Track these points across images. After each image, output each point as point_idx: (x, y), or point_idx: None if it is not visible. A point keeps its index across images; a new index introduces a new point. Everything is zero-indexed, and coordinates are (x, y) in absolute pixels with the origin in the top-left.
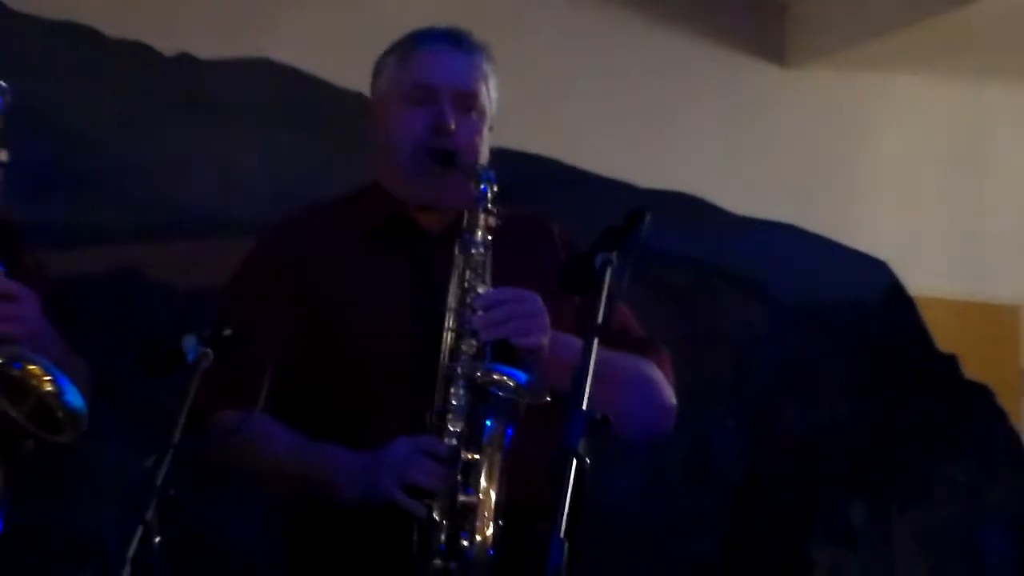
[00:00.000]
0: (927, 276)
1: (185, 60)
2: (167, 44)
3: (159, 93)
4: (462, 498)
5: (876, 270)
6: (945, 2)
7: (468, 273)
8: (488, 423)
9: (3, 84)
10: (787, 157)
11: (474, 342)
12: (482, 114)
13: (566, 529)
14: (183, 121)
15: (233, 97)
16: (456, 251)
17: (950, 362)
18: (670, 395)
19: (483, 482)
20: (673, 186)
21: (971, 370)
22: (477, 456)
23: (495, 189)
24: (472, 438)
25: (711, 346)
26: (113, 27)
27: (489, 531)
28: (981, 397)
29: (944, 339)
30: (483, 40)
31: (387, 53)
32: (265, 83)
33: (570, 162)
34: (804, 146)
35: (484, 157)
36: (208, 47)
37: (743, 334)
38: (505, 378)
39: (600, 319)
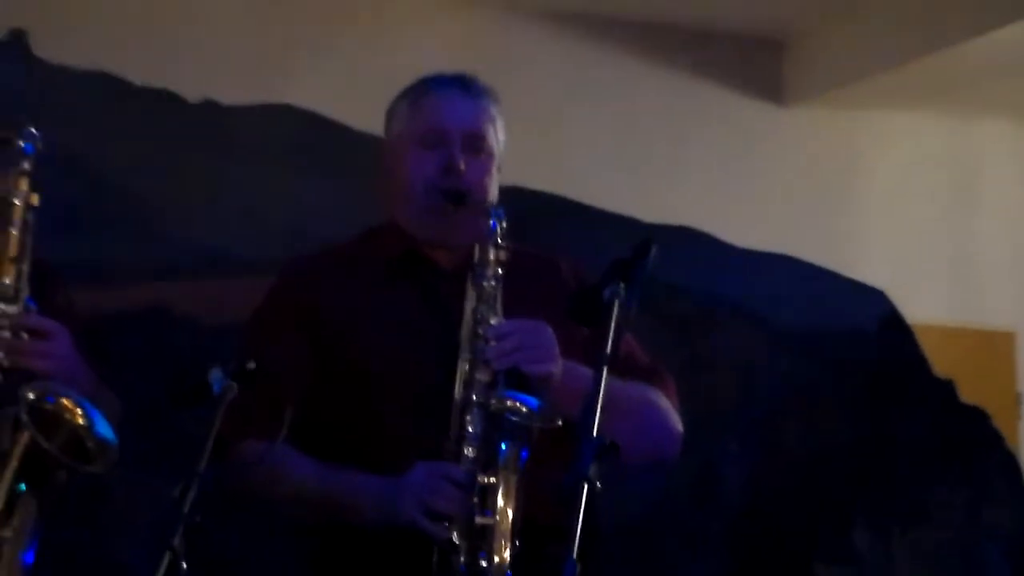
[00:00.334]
0: (924, 304)
1: (209, 106)
2: (192, 91)
3: (184, 138)
4: (480, 520)
5: (874, 299)
6: (939, 41)
7: (480, 305)
8: (503, 447)
9: (34, 131)
10: (786, 191)
11: (487, 371)
12: (490, 155)
13: (578, 551)
14: (207, 164)
15: (255, 141)
16: (468, 284)
17: (947, 387)
18: (676, 421)
19: (500, 504)
20: (676, 220)
21: (968, 394)
22: (493, 479)
23: (504, 225)
24: (488, 462)
25: (715, 373)
26: (140, 76)
27: (507, 552)
28: (978, 420)
29: (941, 365)
30: (493, 83)
31: (399, 98)
32: (286, 127)
33: (577, 198)
34: (803, 180)
35: (494, 195)
36: (231, 94)
37: (746, 362)
38: (518, 404)
39: (609, 349)
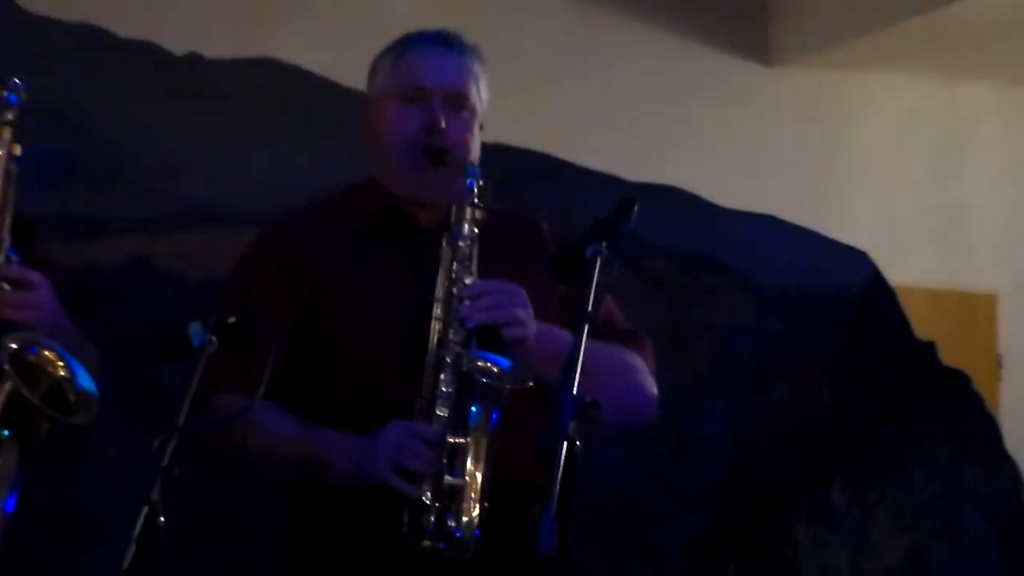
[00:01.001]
0: (906, 266)
1: (194, 59)
2: (176, 44)
3: (169, 91)
4: (449, 480)
5: (857, 261)
6: (925, 2)
7: (455, 265)
8: (473, 408)
9: (17, 81)
10: (772, 152)
11: (461, 330)
12: (473, 112)
13: (558, 510)
14: (192, 118)
15: (240, 95)
16: (444, 243)
17: (928, 349)
18: (652, 384)
19: (469, 465)
20: (660, 179)
21: (949, 356)
22: (463, 440)
23: (481, 184)
24: (459, 423)
25: (698, 334)
26: (125, 28)
27: (475, 512)
28: (958, 382)
29: (922, 326)
30: (477, 39)
31: (382, 55)
32: (271, 81)
33: (561, 156)
34: (788, 141)
35: (475, 154)
36: (216, 47)
37: (729, 323)
38: (489, 364)
39: (590, 307)
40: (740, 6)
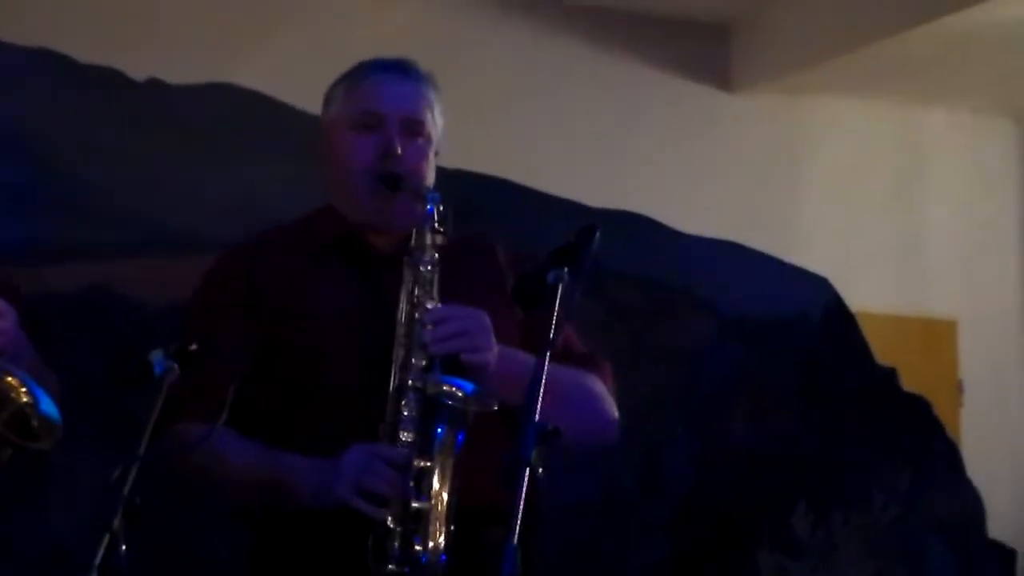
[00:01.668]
0: (867, 292)
1: (154, 85)
2: (137, 70)
3: (130, 116)
4: (415, 504)
5: (818, 286)
6: (885, 29)
7: (417, 289)
8: (439, 431)
9: None
10: (732, 178)
11: (424, 355)
12: (428, 140)
13: (519, 536)
14: (152, 143)
15: (200, 120)
16: (405, 268)
17: (889, 375)
18: (612, 407)
19: (435, 488)
20: (622, 206)
21: (909, 382)
22: (429, 463)
23: (441, 209)
24: (424, 446)
25: (661, 360)
26: (85, 53)
27: (441, 537)
28: (919, 408)
29: (884, 353)
30: (437, 66)
31: (337, 83)
32: (230, 106)
33: (522, 182)
34: (749, 167)
35: (431, 180)
36: (176, 72)
37: (691, 349)
38: (454, 388)
39: (552, 333)
40: (701, 33)
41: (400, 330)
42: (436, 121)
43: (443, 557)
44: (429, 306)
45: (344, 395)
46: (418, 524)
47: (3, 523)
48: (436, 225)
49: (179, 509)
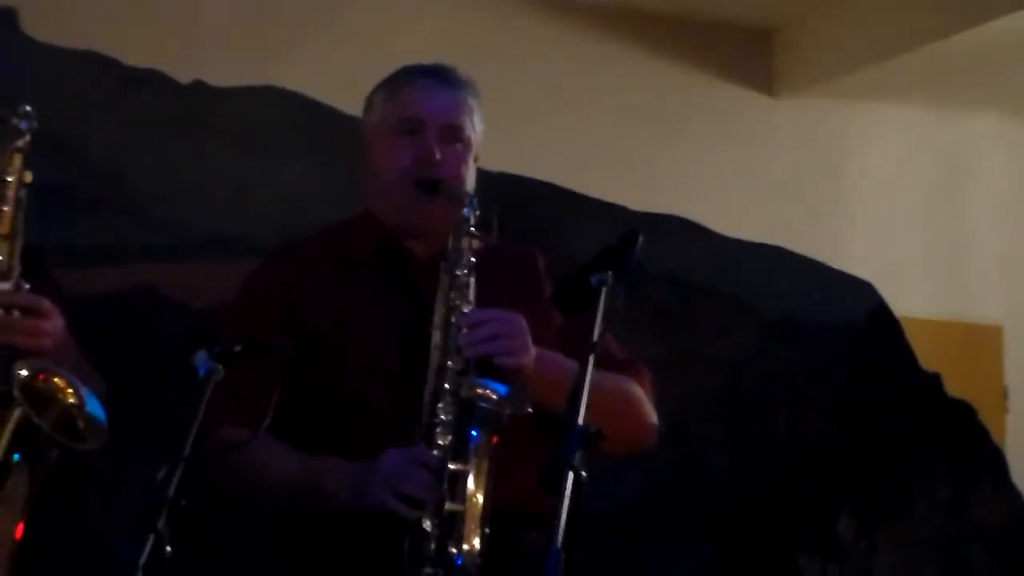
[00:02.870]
0: (911, 297)
1: (199, 88)
2: (182, 72)
3: (174, 119)
4: (450, 507)
5: (862, 291)
6: (928, 34)
7: (453, 293)
8: (473, 434)
9: (28, 109)
10: (776, 182)
11: (459, 359)
12: (467, 145)
13: (563, 540)
14: (197, 146)
15: (244, 123)
16: (441, 272)
17: (934, 380)
18: (650, 413)
19: (470, 491)
20: (666, 209)
21: (954, 388)
22: (464, 466)
23: (478, 214)
24: (459, 449)
25: (702, 364)
26: (131, 56)
27: (476, 539)
28: (964, 414)
29: (928, 358)
30: (482, 69)
31: (376, 89)
32: (275, 109)
33: (566, 185)
34: (792, 171)
35: (470, 185)
36: (221, 75)
37: (733, 353)
38: (488, 391)
39: (596, 337)
40: (745, 38)
41: (436, 334)
42: (476, 127)
43: (478, 560)
44: (465, 310)
45: (381, 399)
46: (453, 527)
47: (47, 523)
48: (473, 230)
49: (220, 510)
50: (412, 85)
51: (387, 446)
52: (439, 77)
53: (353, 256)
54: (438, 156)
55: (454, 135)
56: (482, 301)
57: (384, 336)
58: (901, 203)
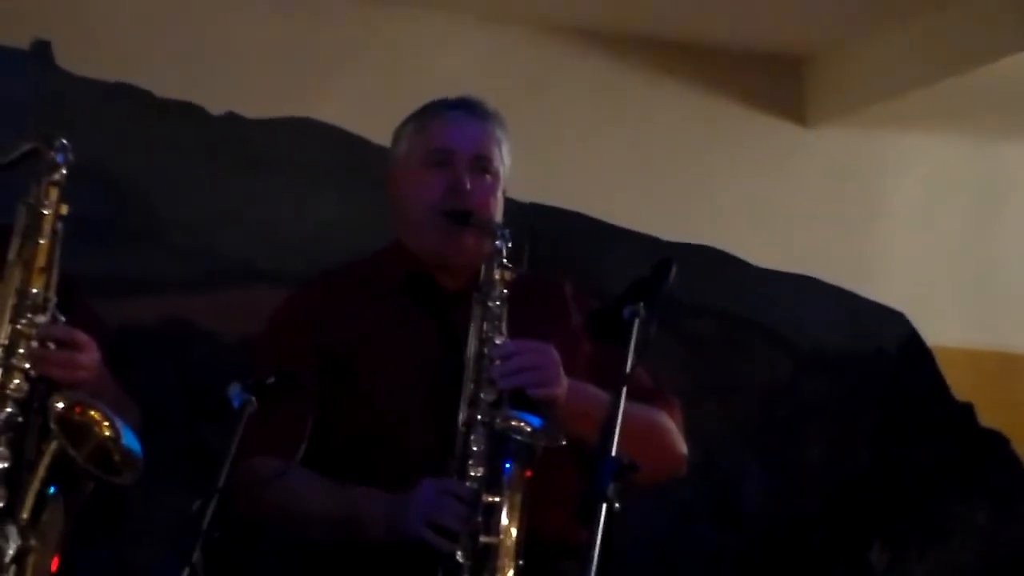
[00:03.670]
0: (944, 326)
1: (232, 119)
2: (215, 104)
3: (207, 151)
4: (484, 539)
5: (894, 321)
6: (962, 62)
7: (486, 325)
8: (507, 466)
9: (64, 142)
10: (808, 211)
11: (492, 390)
12: (496, 177)
13: (596, 571)
14: (230, 177)
15: (277, 154)
16: (474, 303)
17: (966, 410)
18: (680, 443)
19: (504, 523)
20: (697, 239)
21: (987, 418)
22: (497, 498)
23: (509, 246)
24: (492, 481)
25: (735, 394)
26: (163, 88)
27: (510, 572)
28: (997, 444)
29: (960, 388)
30: (513, 100)
31: (405, 122)
32: (307, 141)
33: (598, 216)
34: (824, 201)
35: (499, 216)
36: (254, 107)
37: (766, 382)
38: (522, 423)
39: (628, 368)
40: (776, 67)
41: (469, 365)
42: (504, 159)
43: None
44: (498, 341)
45: (412, 430)
46: (487, 559)
47: (82, 556)
48: (505, 261)
49: (253, 541)
50: (441, 117)
51: (418, 477)
52: (467, 109)
53: (383, 287)
54: (468, 187)
55: (483, 166)
56: (512, 332)
57: (415, 367)
58: (934, 232)
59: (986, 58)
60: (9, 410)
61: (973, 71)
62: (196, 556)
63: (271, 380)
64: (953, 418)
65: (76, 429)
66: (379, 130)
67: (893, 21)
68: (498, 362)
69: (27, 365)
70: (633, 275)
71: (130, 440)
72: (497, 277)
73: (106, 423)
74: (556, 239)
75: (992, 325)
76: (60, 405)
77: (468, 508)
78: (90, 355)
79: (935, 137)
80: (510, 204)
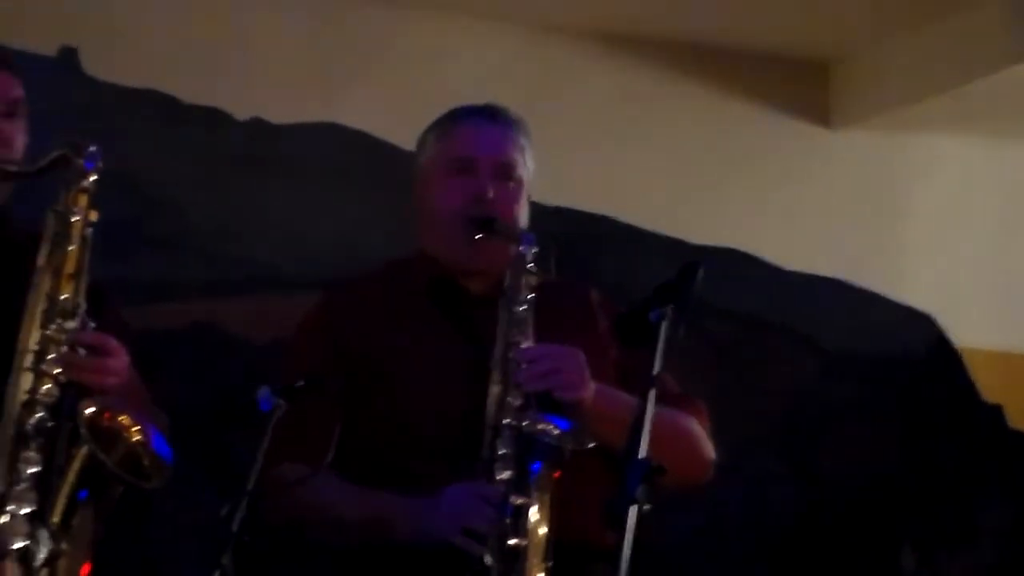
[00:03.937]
0: (972, 328)
1: (257, 124)
2: (240, 109)
3: (233, 156)
4: (512, 541)
5: (922, 323)
6: (988, 65)
7: (512, 329)
8: (535, 468)
9: (93, 149)
10: (834, 214)
11: (519, 394)
12: (520, 184)
13: (627, 573)
14: (256, 182)
15: (303, 159)
16: (500, 308)
17: (995, 412)
18: (707, 448)
19: (532, 524)
20: (724, 242)
21: (1016, 420)
22: (526, 500)
23: (535, 251)
24: (520, 484)
25: (763, 396)
26: (189, 93)
27: (540, 574)
28: None
29: (989, 390)
30: (538, 104)
31: (428, 129)
32: (333, 146)
33: (623, 219)
34: (851, 204)
35: (523, 222)
36: (279, 112)
37: (794, 385)
38: (550, 426)
39: (656, 370)
40: (802, 70)
41: (495, 369)
42: (527, 165)
43: None
44: (524, 345)
45: (438, 434)
46: (515, 561)
47: (108, 558)
48: (530, 266)
49: (282, 545)
50: (464, 124)
51: (445, 481)
52: (490, 116)
53: (409, 292)
54: (491, 194)
55: (506, 173)
56: (539, 336)
57: (440, 372)
58: (961, 234)
59: (1012, 60)
60: (40, 415)
61: (999, 73)
62: (226, 560)
63: (299, 384)
64: (982, 420)
65: (106, 434)
66: (404, 134)
67: (919, 24)
68: (524, 365)
69: (57, 370)
70: (658, 278)
71: (159, 445)
72: (523, 282)
73: (136, 428)
74: (581, 243)
75: (1021, 327)
76: (90, 410)
77: (497, 511)
78: (120, 360)
79: (961, 139)
80: (536, 208)
